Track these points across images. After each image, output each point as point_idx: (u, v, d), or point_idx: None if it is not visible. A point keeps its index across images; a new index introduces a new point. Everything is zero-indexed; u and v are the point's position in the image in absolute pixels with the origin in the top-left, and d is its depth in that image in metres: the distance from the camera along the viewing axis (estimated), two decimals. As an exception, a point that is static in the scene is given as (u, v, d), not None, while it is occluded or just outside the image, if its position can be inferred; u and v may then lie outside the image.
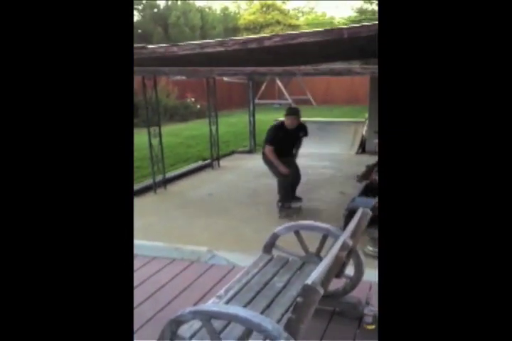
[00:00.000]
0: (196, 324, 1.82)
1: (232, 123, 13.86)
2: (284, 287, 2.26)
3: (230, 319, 1.69)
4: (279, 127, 5.05)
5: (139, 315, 2.65)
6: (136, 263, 3.40)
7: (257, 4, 29.18)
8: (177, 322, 1.69)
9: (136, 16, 24.75)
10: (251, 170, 7.88)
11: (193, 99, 16.52)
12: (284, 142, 5.02)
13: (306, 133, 5.27)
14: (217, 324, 1.75)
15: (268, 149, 4.95)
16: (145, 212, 5.60)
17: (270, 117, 12.28)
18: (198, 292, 2.93)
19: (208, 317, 1.64)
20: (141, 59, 4.22)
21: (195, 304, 2.73)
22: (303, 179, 5.53)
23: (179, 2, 23.89)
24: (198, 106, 16.22)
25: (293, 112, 4.99)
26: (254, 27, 27.36)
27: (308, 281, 1.60)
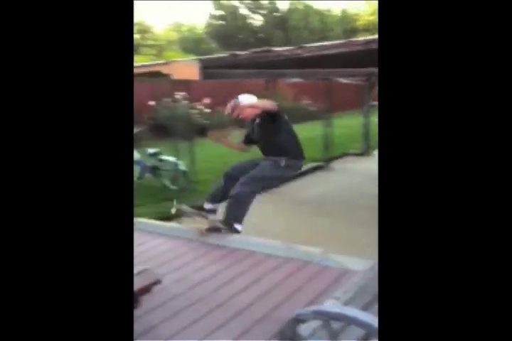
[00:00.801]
0: (314, 324, 1.84)
1: (346, 125, 13.66)
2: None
3: (350, 322, 1.69)
4: None
5: (251, 314, 2.72)
6: (252, 261, 3.51)
7: (376, 4, 28.48)
8: (297, 320, 1.72)
9: (259, 21, 25.45)
10: (363, 173, 7.72)
11: (308, 101, 16.58)
12: None
13: None
14: (335, 325, 1.76)
15: None
16: (257, 210, 5.75)
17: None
18: (310, 293, 2.94)
19: (328, 318, 1.66)
20: (266, 62, 4.35)
21: (308, 305, 2.74)
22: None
23: (300, 6, 24.11)
24: (313, 108, 16.24)
25: None
26: (374, 28, 26.72)
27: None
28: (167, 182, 7.01)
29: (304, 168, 8.27)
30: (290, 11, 24.08)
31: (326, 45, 3.47)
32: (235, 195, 3.87)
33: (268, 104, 3.64)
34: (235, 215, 3.91)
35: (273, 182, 4.06)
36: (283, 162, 3.87)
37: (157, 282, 2.43)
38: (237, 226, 3.92)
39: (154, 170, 7.12)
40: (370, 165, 8.36)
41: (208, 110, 12.63)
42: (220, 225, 3.87)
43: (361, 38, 3.60)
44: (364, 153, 9.71)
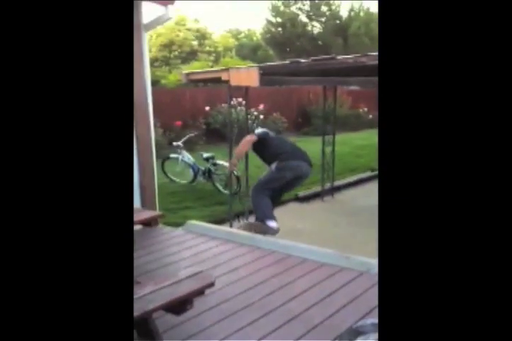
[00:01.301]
0: (372, 337, 1.80)
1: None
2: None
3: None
4: None
5: (306, 320, 2.70)
6: (306, 268, 3.49)
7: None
8: (356, 332, 1.69)
9: (318, 28, 25.40)
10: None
11: (365, 109, 16.37)
12: None
13: None
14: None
15: None
16: (312, 218, 5.73)
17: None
18: (366, 304, 2.88)
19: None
20: (327, 70, 4.32)
21: (364, 316, 2.69)
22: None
23: (362, 13, 23.87)
24: (370, 116, 16.01)
25: None
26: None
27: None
28: (220, 186, 7.10)
29: (361, 175, 8.19)
30: (350, 18, 23.89)
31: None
32: (251, 201, 4.98)
33: (239, 153, 5.03)
34: (258, 216, 4.81)
35: (276, 183, 4.88)
36: (273, 166, 4.86)
37: (211, 284, 2.45)
38: (269, 223, 4.69)
39: (207, 173, 7.24)
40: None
41: (262, 116, 12.74)
42: (254, 223, 4.77)
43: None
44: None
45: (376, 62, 3.58)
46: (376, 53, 3.62)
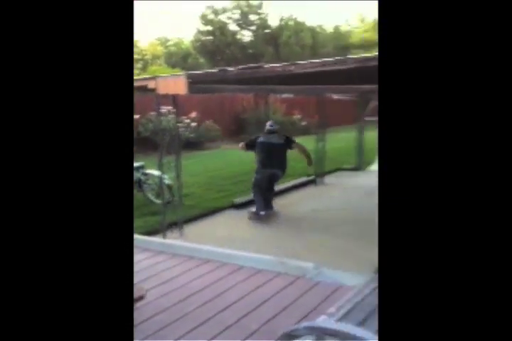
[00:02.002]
0: (308, 339, 1.80)
1: (339, 140, 13.73)
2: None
3: (345, 338, 1.65)
4: None
5: (242, 328, 2.68)
6: (242, 275, 3.47)
7: (370, 22, 28.91)
8: (290, 336, 1.68)
9: (248, 37, 25.69)
10: (357, 188, 7.73)
11: (299, 116, 16.69)
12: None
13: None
14: (328, 342, 1.72)
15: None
16: (249, 224, 5.73)
17: (378, 135, 11.99)
18: (303, 308, 2.90)
19: (322, 334, 1.62)
20: (255, 78, 4.36)
21: (300, 321, 2.70)
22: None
23: (291, 22, 24.41)
24: (304, 122, 16.34)
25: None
26: (368, 45, 27.09)
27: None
28: (151, 196, 6.95)
29: (296, 181, 8.30)
30: (281, 27, 24.37)
31: (320, 62, 3.49)
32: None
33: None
34: (255, 208, 6.14)
35: (261, 183, 6.12)
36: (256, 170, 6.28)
37: (141, 297, 2.37)
38: (261, 213, 6.01)
39: (138, 183, 7.04)
40: (362, 180, 8.39)
41: (194, 124, 12.65)
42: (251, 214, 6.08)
43: (354, 56, 3.62)
44: (358, 168, 9.72)
45: (304, 70, 3.64)
46: (305, 62, 3.69)
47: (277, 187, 7.62)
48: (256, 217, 5.97)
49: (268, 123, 6.36)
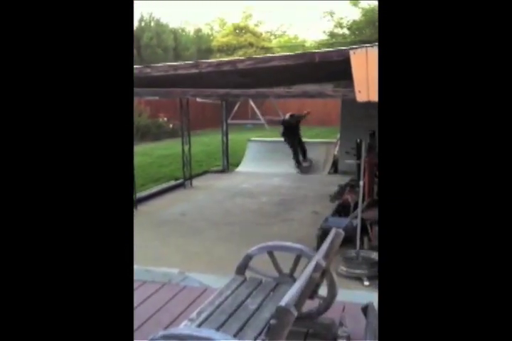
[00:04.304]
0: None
1: (206, 142, 13.86)
2: (257, 309, 2.25)
3: (204, 343, 1.67)
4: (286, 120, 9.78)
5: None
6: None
7: (230, 26, 29.58)
8: (148, 346, 1.65)
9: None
10: (224, 190, 7.87)
11: (165, 119, 16.49)
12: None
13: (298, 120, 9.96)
14: (189, 348, 1.72)
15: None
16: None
17: (243, 137, 12.35)
18: (169, 314, 2.87)
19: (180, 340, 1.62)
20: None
21: (167, 327, 2.67)
22: (277, 199, 5.47)
23: (152, 23, 23.99)
24: (171, 125, 16.19)
25: (291, 115, 10.05)
26: (228, 49, 27.66)
27: (282, 303, 1.60)
28: None
29: (165, 185, 8.20)
30: (141, 28, 23.81)
31: (174, 65, 3.48)
32: None
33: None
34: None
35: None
36: None
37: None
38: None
39: None
40: (229, 182, 8.58)
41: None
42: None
43: (211, 60, 3.68)
44: (224, 170, 9.90)
45: (162, 73, 3.60)
46: (160, 64, 3.66)
47: (144, 193, 7.48)
48: None
49: None
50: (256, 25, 31.12)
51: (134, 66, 3.80)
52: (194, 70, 3.38)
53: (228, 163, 9.99)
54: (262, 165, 9.82)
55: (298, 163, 9.57)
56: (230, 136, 10.04)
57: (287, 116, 9.79)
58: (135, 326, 2.72)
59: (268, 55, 3.41)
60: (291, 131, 9.69)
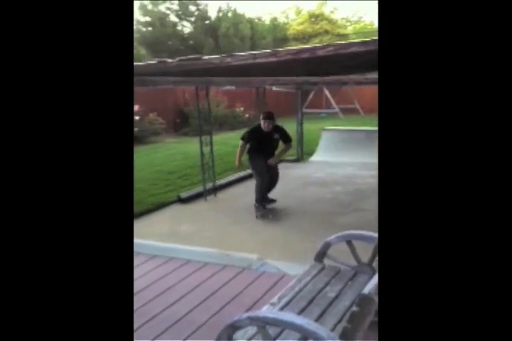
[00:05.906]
0: (251, 330, 1.85)
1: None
2: (336, 297, 2.26)
3: (286, 326, 1.71)
4: (256, 129, 5.74)
5: (191, 321, 2.70)
6: (189, 269, 3.48)
7: (305, 14, 29.28)
8: (234, 327, 1.72)
9: (188, 28, 25.34)
10: (298, 179, 7.87)
11: (241, 109, 16.72)
12: (261, 142, 5.70)
13: (281, 135, 5.80)
14: (271, 331, 1.78)
15: (240, 144, 5.79)
16: (196, 218, 5.71)
17: (317, 126, 12.24)
18: (249, 299, 2.96)
19: (264, 323, 1.67)
20: (196, 70, 4.33)
21: (247, 311, 2.76)
22: (351, 188, 5.41)
23: (230, 13, 24.27)
24: (247, 115, 16.39)
25: (267, 117, 5.61)
26: (303, 37, 27.43)
27: (365, 291, 1.60)
28: None
29: (242, 174, 8.35)
30: (219, 18, 24.18)
31: (254, 54, 3.52)
32: None
33: None
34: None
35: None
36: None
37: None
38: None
39: None
40: (303, 172, 8.56)
41: (137, 117, 12.41)
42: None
43: (290, 48, 3.67)
44: (299, 159, 9.88)
45: (241, 62, 3.65)
46: (242, 53, 3.70)
47: (223, 180, 7.67)
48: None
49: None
50: (331, 12, 30.60)
51: (215, 56, 3.88)
52: (273, 58, 3.39)
53: (302, 152, 9.96)
54: (336, 155, 9.70)
55: None
56: (304, 125, 9.99)
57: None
58: (216, 309, 2.84)
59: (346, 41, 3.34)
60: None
